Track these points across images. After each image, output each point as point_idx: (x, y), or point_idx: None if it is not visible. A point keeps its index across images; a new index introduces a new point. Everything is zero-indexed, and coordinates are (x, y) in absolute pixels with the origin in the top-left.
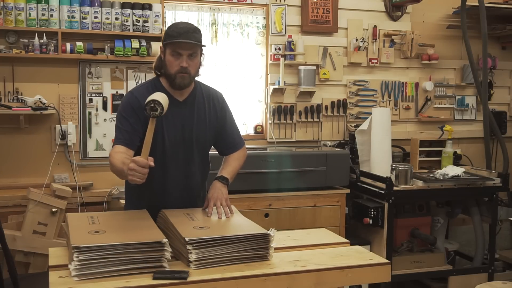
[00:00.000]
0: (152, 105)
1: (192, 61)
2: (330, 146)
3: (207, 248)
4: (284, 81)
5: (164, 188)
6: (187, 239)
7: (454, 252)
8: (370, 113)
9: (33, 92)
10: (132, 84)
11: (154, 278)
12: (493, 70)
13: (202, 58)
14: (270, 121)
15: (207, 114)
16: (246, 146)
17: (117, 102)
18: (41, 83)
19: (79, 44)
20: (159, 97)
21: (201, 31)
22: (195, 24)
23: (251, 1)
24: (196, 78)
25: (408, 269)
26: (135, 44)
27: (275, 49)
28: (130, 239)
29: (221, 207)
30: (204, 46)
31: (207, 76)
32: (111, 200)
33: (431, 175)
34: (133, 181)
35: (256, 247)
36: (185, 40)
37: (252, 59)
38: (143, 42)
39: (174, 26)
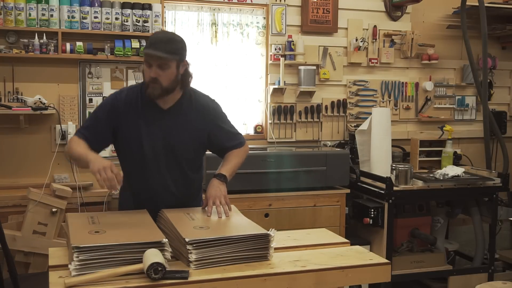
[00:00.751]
0: (156, 267)
1: (164, 71)
2: (330, 146)
3: (207, 248)
4: (284, 81)
5: (147, 196)
6: (187, 239)
7: (454, 252)
8: (370, 113)
9: (33, 92)
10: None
11: (154, 278)
12: (493, 70)
13: (181, 68)
14: (270, 121)
15: (193, 124)
16: None
17: None
18: (41, 83)
19: (79, 44)
20: (158, 257)
21: (186, 39)
22: (195, 24)
23: (251, 1)
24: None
25: (408, 269)
26: (135, 44)
27: (275, 49)
28: (130, 239)
29: (220, 205)
30: (173, 59)
31: (207, 76)
32: (111, 200)
33: (431, 175)
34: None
35: (256, 247)
36: (151, 52)
37: (252, 59)
38: (143, 42)
39: (155, 34)
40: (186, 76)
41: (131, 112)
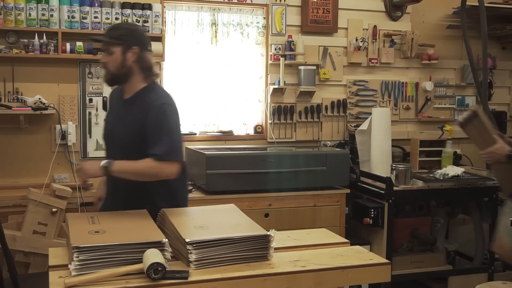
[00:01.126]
0: (156, 267)
1: (110, 56)
2: (330, 146)
3: (207, 248)
4: (284, 81)
5: (108, 185)
6: (187, 240)
7: (454, 252)
8: (370, 113)
9: (33, 92)
10: None
11: (154, 278)
12: (493, 70)
13: (129, 55)
14: (270, 121)
15: (134, 120)
16: (247, 146)
17: None
18: (41, 83)
19: (79, 44)
20: (158, 257)
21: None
22: (195, 24)
23: (251, 1)
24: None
25: (408, 269)
26: None
27: (275, 49)
28: (130, 239)
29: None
30: (111, 43)
31: (207, 76)
32: None
33: (431, 175)
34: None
35: (256, 247)
36: (98, 38)
37: (252, 59)
38: None
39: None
40: (142, 65)
41: (113, 104)
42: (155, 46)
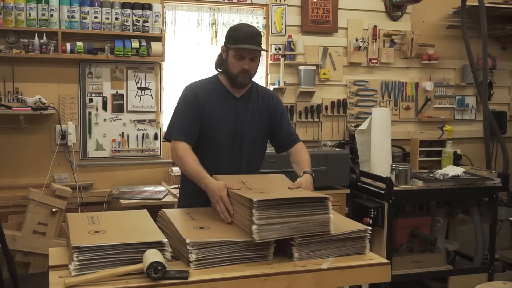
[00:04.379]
0: (156, 266)
1: (253, 63)
2: (330, 146)
3: (207, 248)
4: (284, 81)
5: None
6: (187, 240)
7: (454, 252)
8: (370, 113)
9: (33, 92)
10: (132, 84)
11: (154, 278)
12: (493, 70)
13: (259, 58)
14: None
15: (260, 110)
16: None
17: (117, 102)
18: (41, 83)
19: (79, 44)
20: (158, 256)
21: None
22: (195, 24)
23: (251, 1)
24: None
25: (408, 269)
26: (135, 44)
27: (275, 49)
28: (130, 239)
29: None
30: (266, 51)
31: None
32: (111, 200)
33: (431, 175)
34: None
35: (256, 247)
36: (250, 47)
37: None
38: (143, 42)
39: (239, 29)
40: None
41: (210, 101)
42: (155, 46)
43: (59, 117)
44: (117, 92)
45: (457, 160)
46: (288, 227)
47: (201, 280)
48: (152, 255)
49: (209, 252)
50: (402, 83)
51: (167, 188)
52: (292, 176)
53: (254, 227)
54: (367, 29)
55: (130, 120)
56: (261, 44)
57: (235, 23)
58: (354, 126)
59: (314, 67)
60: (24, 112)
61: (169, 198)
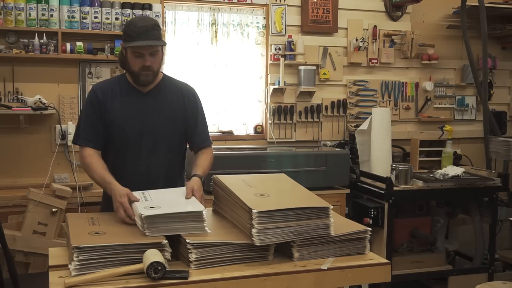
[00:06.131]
0: (156, 266)
1: (154, 58)
2: (330, 146)
3: (207, 248)
4: (284, 81)
5: (126, 181)
6: (188, 240)
7: (454, 252)
8: (370, 113)
9: (33, 92)
10: None
11: (154, 278)
12: (493, 70)
13: (164, 51)
14: (270, 121)
15: (171, 106)
16: (247, 146)
17: None
18: (41, 83)
19: (79, 44)
20: (158, 256)
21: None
22: (195, 24)
23: (251, 1)
24: (165, 72)
25: (408, 269)
26: None
27: (275, 49)
28: (130, 240)
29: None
30: (164, 44)
31: (207, 76)
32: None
33: (431, 175)
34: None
35: (257, 248)
36: (145, 43)
37: (252, 59)
38: None
39: (133, 25)
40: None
41: (111, 100)
42: None
43: (59, 117)
44: None
45: (457, 160)
46: (288, 231)
47: (201, 280)
48: (152, 255)
49: (209, 252)
50: (402, 83)
51: None
52: (292, 176)
53: (254, 230)
54: (367, 29)
55: None
56: (160, 36)
57: (235, 23)
58: (354, 126)
59: (314, 67)
60: (24, 112)
61: None
